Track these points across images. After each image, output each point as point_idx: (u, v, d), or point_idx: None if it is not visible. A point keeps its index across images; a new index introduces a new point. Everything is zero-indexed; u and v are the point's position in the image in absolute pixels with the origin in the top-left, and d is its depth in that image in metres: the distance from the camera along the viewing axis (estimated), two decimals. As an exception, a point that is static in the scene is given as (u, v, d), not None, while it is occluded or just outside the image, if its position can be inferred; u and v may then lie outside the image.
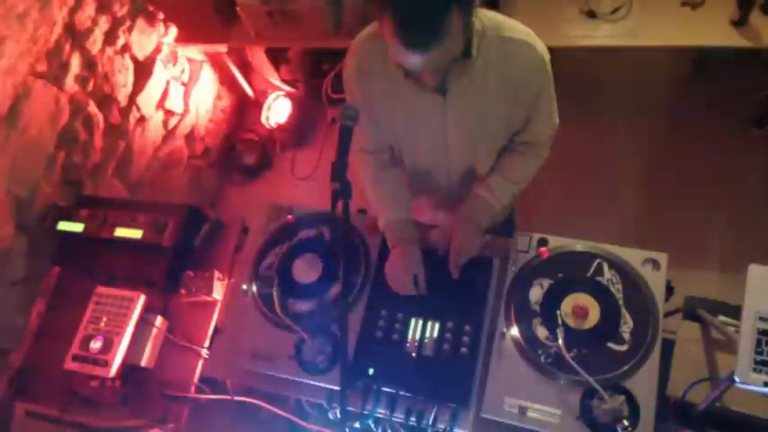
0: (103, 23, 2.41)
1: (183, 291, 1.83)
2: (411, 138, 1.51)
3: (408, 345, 1.49)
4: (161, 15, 2.74)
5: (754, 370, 1.09)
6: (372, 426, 1.50)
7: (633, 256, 1.48)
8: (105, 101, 2.49)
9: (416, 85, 1.27)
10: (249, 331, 1.62)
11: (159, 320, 1.81)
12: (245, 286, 1.70)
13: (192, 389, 1.74)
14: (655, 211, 2.69)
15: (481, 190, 1.55)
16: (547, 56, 1.36)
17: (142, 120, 2.74)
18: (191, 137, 3.12)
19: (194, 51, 2.98)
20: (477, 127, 1.43)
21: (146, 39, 2.68)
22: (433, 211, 1.81)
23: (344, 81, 1.45)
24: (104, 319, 1.78)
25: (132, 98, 2.65)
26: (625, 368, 1.35)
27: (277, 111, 3.28)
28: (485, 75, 1.31)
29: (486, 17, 1.31)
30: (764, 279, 1.15)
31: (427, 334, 1.49)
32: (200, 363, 1.78)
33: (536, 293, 1.49)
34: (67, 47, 2.25)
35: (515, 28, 1.33)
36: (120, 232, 1.94)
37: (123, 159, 2.64)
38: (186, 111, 3.04)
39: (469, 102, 1.36)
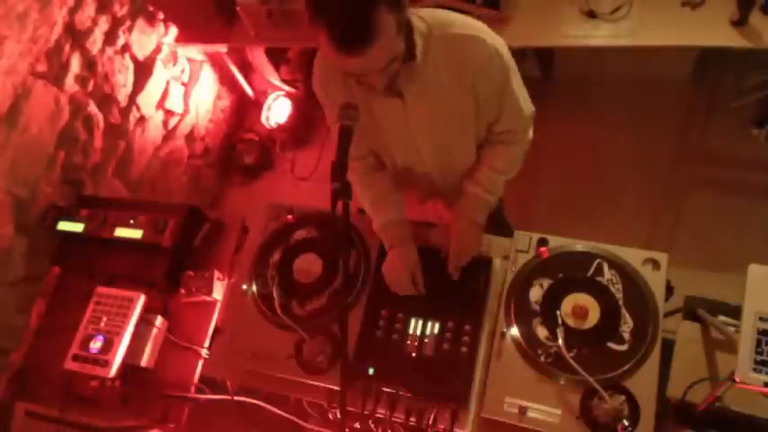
0: (103, 23, 2.41)
1: (182, 291, 1.83)
2: (381, 140, 1.52)
3: (408, 345, 1.49)
4: (161, 15, 2.74)
5: (754, 370, 1.09)
6: (372, 426, 1.50)
7: (633, 256, 1.48)
8: (105, 101, 2.49)
9: (371, 92, 1.27)
10: (249, 331, 1.62)
11: (159, 320, 1.81)
12: (245, 286, 1.70)
13: (192, 389, 1.74)
14: (655, 210, 2.69)
15: (473, 187, 1.55)
16: (501, 47, 1.34)
17: (142, 120, 2.74)
18: (191, 137, 3.12)
19: (194, 51, 2.98)
20: (441, 127, 1.43)
21: (146, 39, 2.68)
22: (419, 204, 1.81)
23: (313, 87, 1.45)
24: (104, 319, 1.78)
25: (132, 98, 2.65)
26: (625, 368, 1.35)
27: (277, 111, 3.28)
28: (438, 75, 1.31)
29: (431, 16, 1.30)
30: (764, 279, 1.15)
31: (427, 334, 1.49)
32: (200, 363, 1.78)
33: (536, 293, 1.49)
34: (67, 47, 2.25)
35: (462, 23, 1.32)
36: (120, 232, 1.94)
37: (123, 159, 2.65)
38: (186, 111, 3.04)
39: (427, 104, 1.36)
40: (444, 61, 1.30)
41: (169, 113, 2.92)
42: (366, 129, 1.45)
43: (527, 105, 1.49)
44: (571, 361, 1.32)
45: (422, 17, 1.29)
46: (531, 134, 1.56)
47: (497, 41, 1.33)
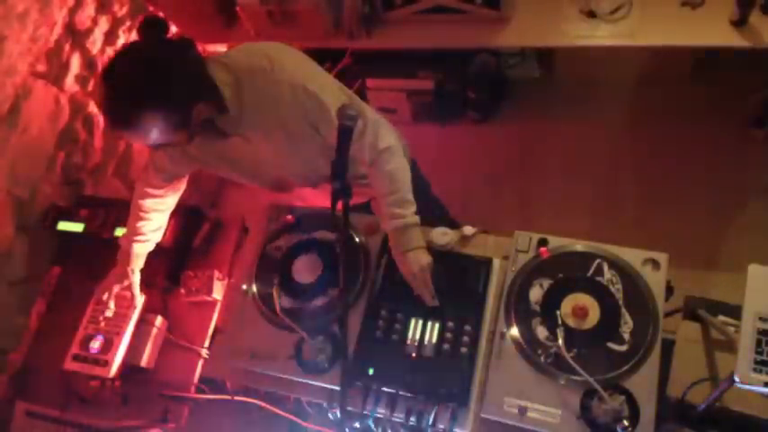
0: (103, 23, 2.41)
1: (182, 291, 1.83)
2: (239, 171, 1.64)
3: (408, 345, 1.49)
4: (161, 15, 2.74)
5: (754, 370, 1.09)
6: (372, 426, 1.50)
7: (633, 256, 1.48)
8: (105, 101, 2.49)
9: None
10: (249, 331, 1.62)
11: (159, 320, 1.81)
12: (245, 286, 1.70)
13: (192, 389, 1.74)
14: (654, 211, 2.69)
15: (383, 224, 1.57)
16: (310, 84, 1.36)
17: (142, 120, 2.73)
18: (191, 137, 3.11)
19: (194, 51, 2.97)
20: (289, 158, 1.52)
21: (146, 39, 2.67)
22: (313, 192, 1.82)
23: None
24: (104, 318, 1.78)
25: (132, 98, 2.65)
26: (625, 368, 1.35)
27: (277, 111, 3.27)
28: (257, 116, 1.38)
29: (237, 65, 1.35)
30: (764, 279, 1.15)
31: (427, 334, 1.49)
32: (200, 363, 1.78)
33: (536, 293, 1.49)
34: (67, 47, 2.25)
35: (267, 67, 1.35)
36: (120, 232, 1.93)
37: (123, 159, 2.64)
38: (186, 111, 3.04)
39: (265, 139, 1.45)
40: (261, 104, 1.36)
41: (169, 113, 2.91)
42: (217, 167, 1.60)
43: (372, 137, 1.49)
44: (571, 361, 1.33)
45: (227, 66, 1.34)
46: (398, 153, 1.54)
47: (304, 78, 1.37)
